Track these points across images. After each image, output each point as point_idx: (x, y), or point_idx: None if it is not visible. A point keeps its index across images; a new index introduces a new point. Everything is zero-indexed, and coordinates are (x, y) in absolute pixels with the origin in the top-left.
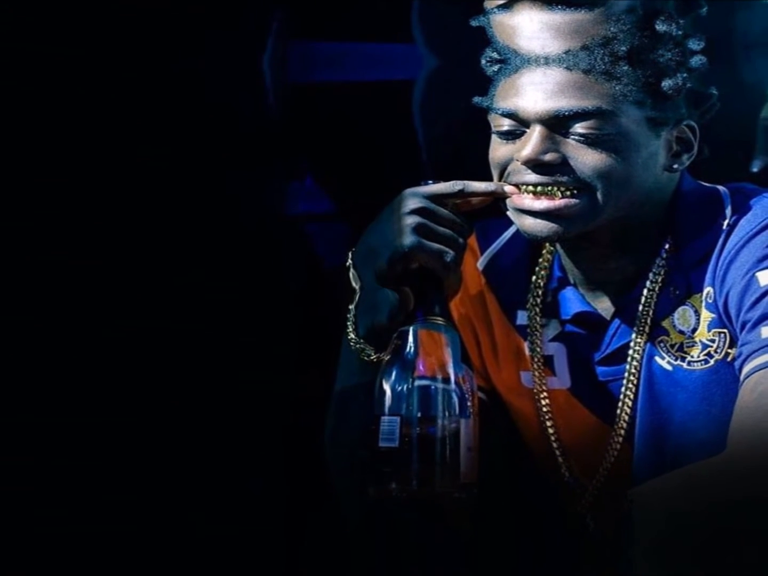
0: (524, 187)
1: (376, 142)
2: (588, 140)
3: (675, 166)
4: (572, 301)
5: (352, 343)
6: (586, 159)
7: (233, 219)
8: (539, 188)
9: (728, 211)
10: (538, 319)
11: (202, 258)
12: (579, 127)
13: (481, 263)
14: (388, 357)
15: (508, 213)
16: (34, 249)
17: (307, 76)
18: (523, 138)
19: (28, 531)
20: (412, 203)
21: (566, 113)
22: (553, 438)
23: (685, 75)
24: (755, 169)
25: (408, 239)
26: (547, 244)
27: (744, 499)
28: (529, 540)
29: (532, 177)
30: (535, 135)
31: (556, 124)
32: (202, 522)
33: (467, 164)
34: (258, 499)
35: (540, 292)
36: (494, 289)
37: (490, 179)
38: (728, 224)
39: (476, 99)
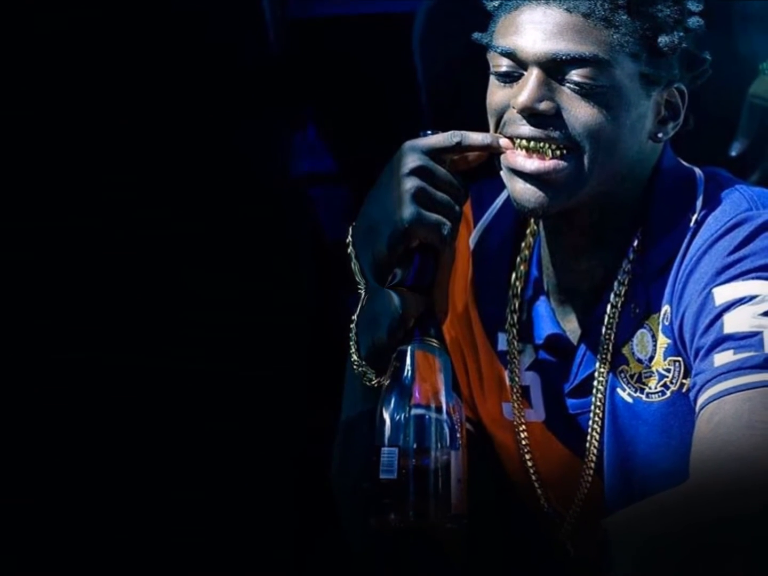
0: (518, 141)
1: (376, 80)
2: (582, 90)
3: (660, 134)
4: (544, 320)
5: (355, 366)
6: (579, 112)
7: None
8: (532, 144)
9: (699, 203)
10: (515, 343)
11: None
12: (575, 75)
13: (473, 239)
14: (388, 382)
15: (502, 174)
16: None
17: (307, 12)
18: (520, 81)
19: None
20: (411, 161)
21: (563, 57)
22: (531, 471)
23: (681, 34)
24: (734, 153)
25: (407, 210)
26: (531, 223)
27: (710, 523)
28: (518, 566)
29: (526, 129)
30: (532, 79)
31: (553, 68)
32: (213, 548)
33: (466, 106)
34: (269, 526)
35: (516, 305)
36: (478, 299)
37: (488, 128)
38: (696, 221)
39: (476, 35)
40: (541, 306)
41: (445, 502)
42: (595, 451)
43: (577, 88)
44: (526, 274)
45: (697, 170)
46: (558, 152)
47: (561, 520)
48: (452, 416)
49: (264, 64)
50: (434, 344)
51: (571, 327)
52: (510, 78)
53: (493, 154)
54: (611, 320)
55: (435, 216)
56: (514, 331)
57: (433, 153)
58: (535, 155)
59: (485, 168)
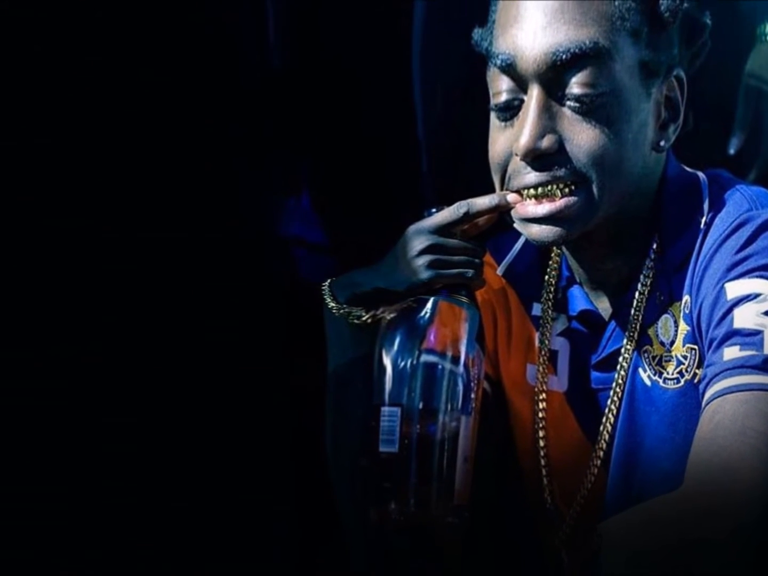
0: (526, 192)
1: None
2: (583, 107)
3: (662, 143)
4: (578, 299)
5: (334, 311)
6: (581, 140)
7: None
8: (540, 190)
9: (705, 206)
10: (550, 312)
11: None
12: (575, 85)
13: (500, 271)
14: (393, 315)
15: (515, 225)
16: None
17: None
18: (520, 115)
19: None
20: (418, 243)
21: (563, 56)
22: (542, 452)
23: None
24: (732, 151)
25: (424, 275)
26: (555, 248)
27: (695, 541)
28: (510, 573)
29: (531, 176)
30: (532, 105)
31: (554, 80)
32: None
33: (468, 159)
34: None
35: (552, 289)
36: (513, 285)
37: (492, 183)
38: (705, 223)
39: (475, 34)
40: (576, 290)
41: (448, 489)
42: (607, 437)
43: (577, 105)
44: (558, 276)
45: (701, 174)
46: (566, 190)
47: (560, 522)
48: (470, 370)
49: (263, 75)
50: (463, 300)
51: (603, 306)
52: (510, 111)
53: (503, 212)
54: (639, 304)
55: (455, 270)
56: (549, 303)
57: (441, 230)
58: (544, 200)
59: (497, 225)
